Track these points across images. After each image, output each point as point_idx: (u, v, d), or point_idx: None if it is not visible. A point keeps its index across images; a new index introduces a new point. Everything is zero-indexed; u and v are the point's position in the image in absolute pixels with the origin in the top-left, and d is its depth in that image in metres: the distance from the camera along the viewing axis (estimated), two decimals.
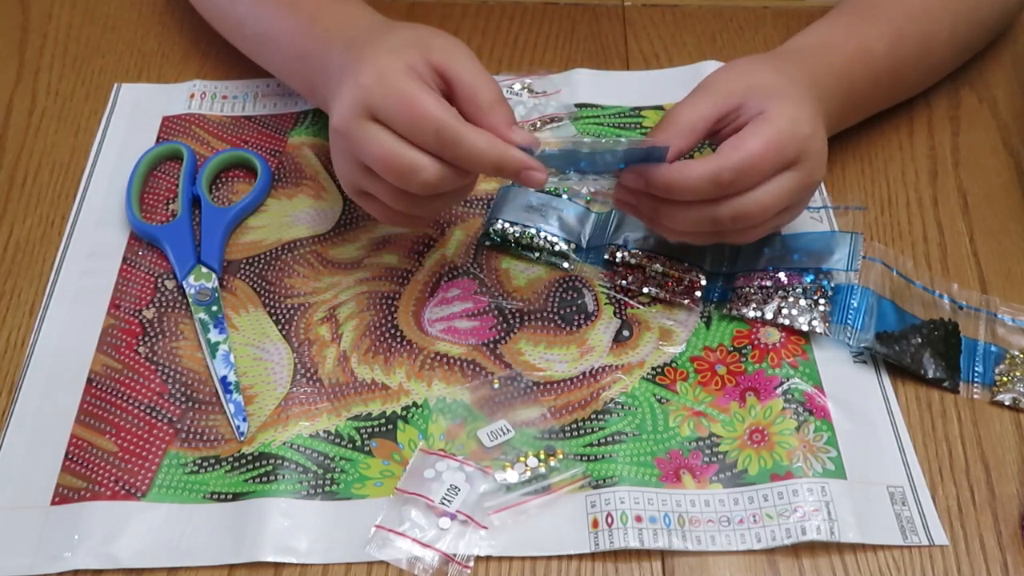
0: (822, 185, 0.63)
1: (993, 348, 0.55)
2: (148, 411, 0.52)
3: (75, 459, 0.50)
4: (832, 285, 0.56)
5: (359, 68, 0.48)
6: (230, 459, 0.50)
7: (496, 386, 0.53)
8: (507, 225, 0.59)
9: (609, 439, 0.51)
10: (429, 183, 0.47)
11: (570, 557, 0.47)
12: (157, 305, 0.56)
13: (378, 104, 0.47)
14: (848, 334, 0.54)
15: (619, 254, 0.58)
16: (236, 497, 0.49)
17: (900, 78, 0.63)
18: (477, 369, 0.54)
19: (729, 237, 0.53)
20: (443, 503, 0.48)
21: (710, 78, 0.54)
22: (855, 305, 0.55)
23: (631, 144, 0.49)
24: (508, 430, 0.51)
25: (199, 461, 0.50)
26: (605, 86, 0.69)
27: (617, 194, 0.53)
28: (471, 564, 0.47)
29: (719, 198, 0.50)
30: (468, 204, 0.62)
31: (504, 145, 0.47)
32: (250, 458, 0.50)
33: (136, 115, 0.66)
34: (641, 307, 0.57)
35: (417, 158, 0.47)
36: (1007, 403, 0.53)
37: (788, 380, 0.53)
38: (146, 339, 0.55)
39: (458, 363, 0.54)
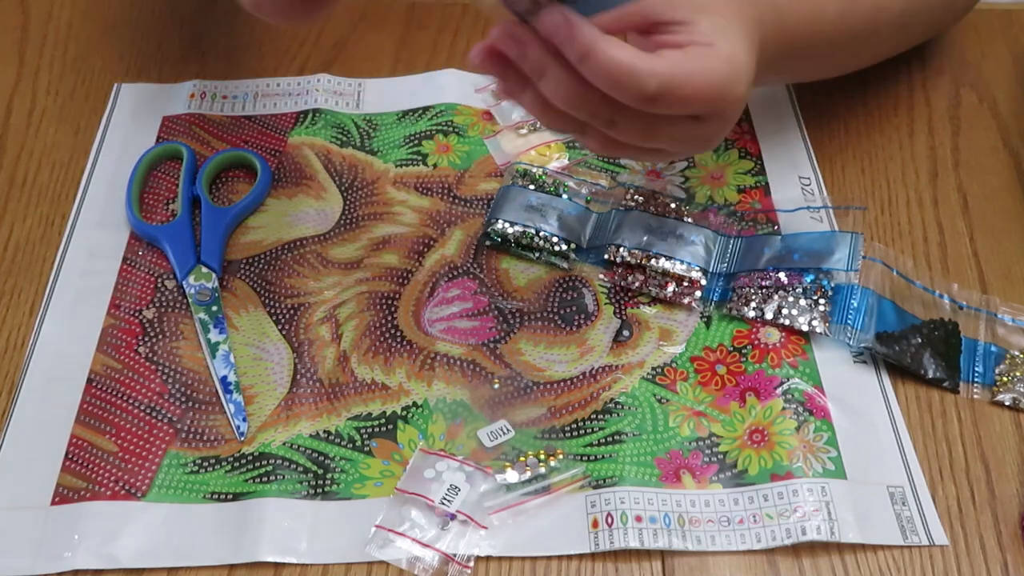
0: (822, 185, 0.63)
1: (993, 348, 0.55)
2: (148, 411, 0.52)
3: (75, 459, 0.50)
4: (832, 285, 0.56)
5: None
6: (230, 459, 0.50)
7: (496, 386, 0.53)
8: (507, 225, 0.59)
9: (609, 439, 0.51)
10: None
11: (570, 557, 0.47)
12: (157, 305, 0.56)
13: None
14: (848, 334, 0.54)
15: (619, 254, 0.58)
16: (236, 497, 0.49)
17: (842, 50, 0.61)
18: (477, 369, 0.54)
19: (588, 136, 0.48)
20: (443, 503, 0.48)
21: None
22: (855, 305, 0.55)
23: None
24: (508, 430, 0.51)
25: (199, 461, 0.50)
26: None
27: (506, 30, 0.44)
28: (471, 564, 0.47)
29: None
30: (468, 204, 0.62)
31: None
32: (250, 458, 0.50)
33: (136, 115, 0.66)
34: (641, 307, 0.57)
35: None
36: (1007, 403, 0.53)
37: (788, 380, 0.53)
38: (146, 339, 0.55)
39: (458, 363, 0.54)
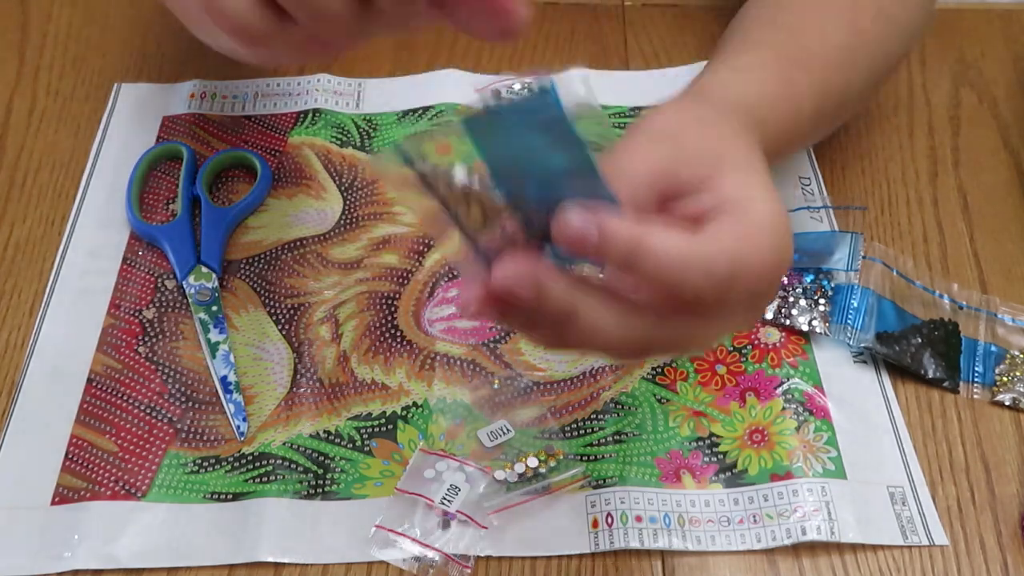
0: (822, 185, 0.63)
1: (993, 348, 0.55)
2: (148, 411, 0.52)
3: (75, 459, 0.50)
4: (832, 285, 0.56)
5: None
6: (230, 459, 0.50)
7: (496, 386, 0.53)
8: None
9: (609, 439, 0.51)
10: None
11: (570, 557, 0.47)
12: (157, 305, 0.56)
13: None
14: (848, 334, 0.54)
15: None
16: (236, 497, 0.49)
17: (814, 135, 0.57)
18: (477, 369, 0.54)
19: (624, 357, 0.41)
20: (443, 503, 0.48)
21: (656, 123, 0.39)
22: (855, 305, 0.55)
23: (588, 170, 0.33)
24: (508, 430, 0.51)
25: (199, 461, 0.50)
26: (605, 86, 0.69)
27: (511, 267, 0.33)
28: (471, 564, 0.47)
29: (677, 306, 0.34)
30: None
31: None
32: (250, 458, 0.50)
33: (136, 115, 0.66)
34: None
35: None
36: (1007, 403, 0.53)
37: (788, 380, 0.53)
38: (146, 339, 0.55)
39: (458, 363, 0.54)
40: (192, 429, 0.51)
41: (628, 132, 0.36)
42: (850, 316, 0.55)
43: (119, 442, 0.51)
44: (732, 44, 0.52)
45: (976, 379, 0.54)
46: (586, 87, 0.31)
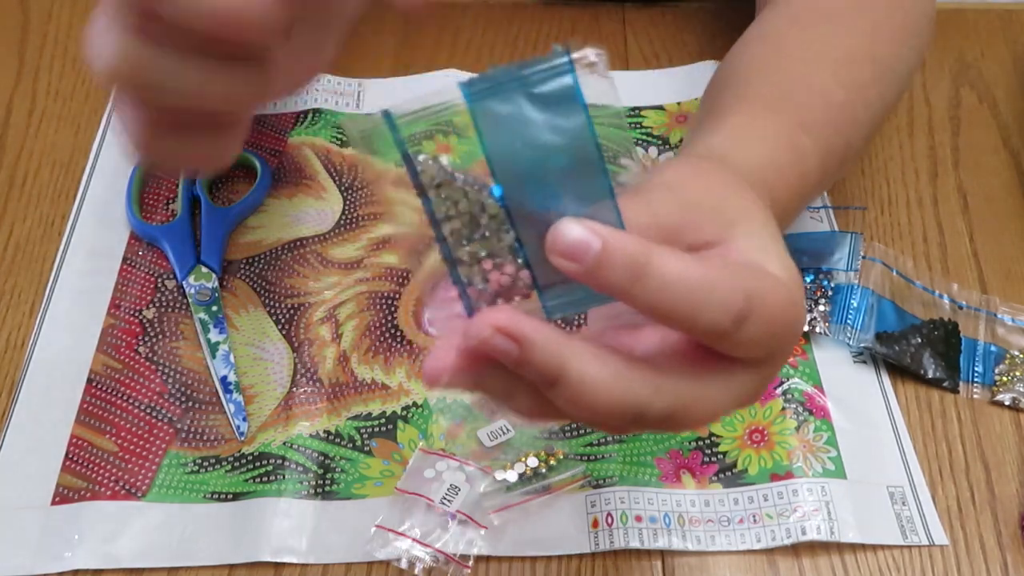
0: None
1: (993, 348, 0.55)
2: (148, 411, 0.52)
3: (75, 459, 0.50)
4: (832, 285, 0.56)
5: None
6: (230, 459, 0.50)
7: None
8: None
9: (609, 439, 0.51)
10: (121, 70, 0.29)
11: (570, 557, 0.47)
12: (157, 305, 0.56)
13: None
14: (848, 334, 0.54)
15: None
16: (236, 497, 0.49)
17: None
18: None
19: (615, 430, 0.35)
20: (443, 503, 0.48)
21: (661, 178, 0.35)
22: (855, 305, 0.55)
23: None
24: (508, 430, 0.51)
25: (199, 461, 0.50)
26: None
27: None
28: (471, 564, 0.47)
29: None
30: None
31: None
32: (250, 458, 0.50)
33: None
34: None
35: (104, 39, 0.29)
36: (1007, 403, 0.53)
37: (788, 380, 0.53)
38: (146, 339, 0.55)
39: None
40: (192, 429, 0.51)
41: (633, 189, 0.31)
42: (850, 316, 0.55)
43: (119, 442, 0.51)
44: (730, 100, 0.49)
45: (976, 379, 0.54)
46: (603, 69, 0.28)
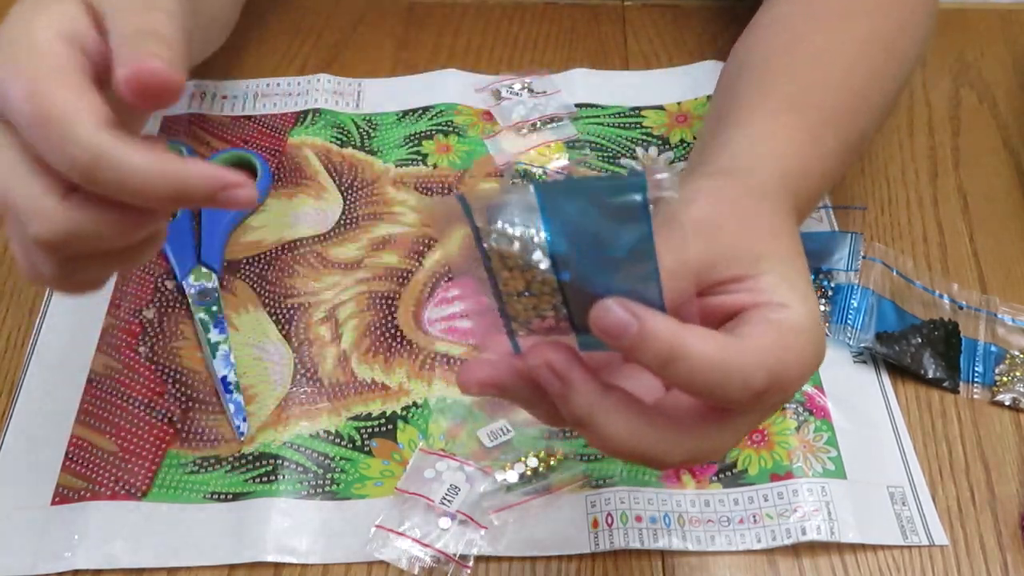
0: None
1: (993, 348, 0.55)
2: (148, 411, 0.52)
3: (75, 459, 0.50)
4: (832, 285, 0.56)
5: None
6: (230, 459, 0.50)
7: None
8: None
9: None
10: (51, 238, 0.33)
11: (570, 557, 0.47)
12: (157, 305, 0.56)
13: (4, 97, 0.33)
14: (848, 334, 0.54)
15: None
16: (236, 497, 0.49)
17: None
18: None
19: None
20: (443, 503, 0.48)
21: (695, 215, 0.37)
22: (855, 305, 0.55)
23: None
24: (508, 430, 0.51)
25: (199, 461, 0.50)
26: (605, 86, 0.69)
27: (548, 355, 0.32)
28: (471, 564, 0.47)
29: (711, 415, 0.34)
30: None
31: (179, 162, 0.33)
32: (250, 458, 0.50)
33: None
34: None
35: (36, 200, 0.33)
36: (1007, 403, 0.53)
37: None
38: (146, 339, 0.55)
39: (458, 363, 0.54)
40: (192, 429, 0.51)
41: (663, 224, 0.31)
42: (850, 316, 0.55)
43: (119, 442, 0.51)
44: (751, 94, 0.49)
45: (976, 379, 0.54)
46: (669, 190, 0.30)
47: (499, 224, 0.31)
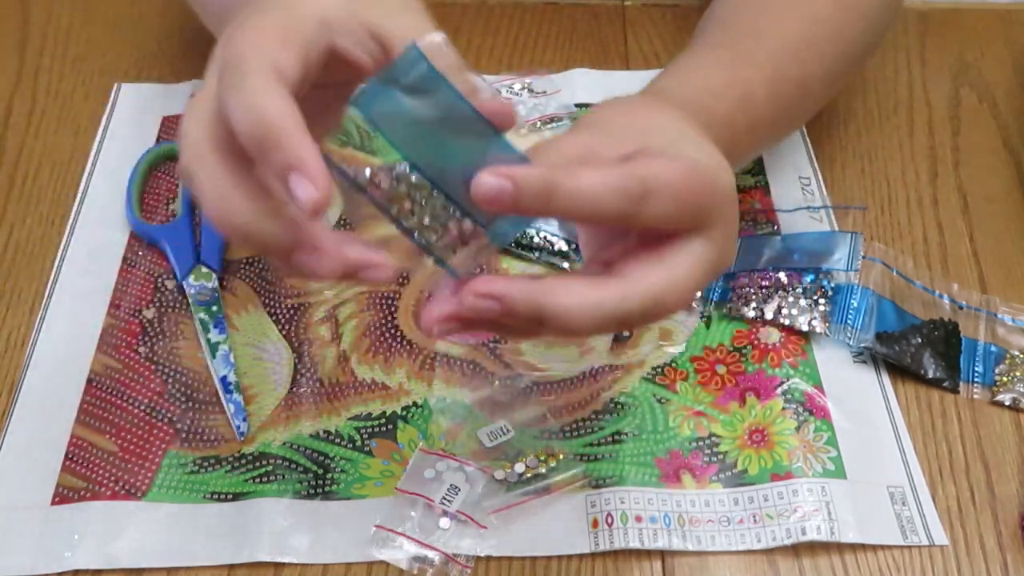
0: (822, 185, 0.63)
1: (993, 348, 0.55)
2: (148, 411, 0.52)
3: (75, 459, 0.50)
4: (832, 285, 0.56)
5: (227, 37, 0.36)
6: (230, 459, 0.50)
7: (496, 386, 0.53)
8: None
9: (609, 439, 0.51)
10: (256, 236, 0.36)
11: (570, 557, 0.47)
12: (157, 305, 0.56)
13: (225, 106, 0.36)
14: (848, 334, 0.54)
15: None
16: (236, 497, 0.49)
17: (778, 125, 0.56)
18: (477, 369, 0.54)
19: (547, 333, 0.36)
20: (443, 503, 0.48)
21: (590, 117, 0.41)
22: (855, 305, 0.55)
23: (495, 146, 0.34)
24: (508, 430, 0.51)
25: (199, 461, 0.50)
26: (605, 86, 0.69)
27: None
28: (471, 564, 0.47)
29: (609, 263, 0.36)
30: None
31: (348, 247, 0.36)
32: (250, 458, 0.50)
33: (136, 115, 0.66)
34: None
35: (235, 204, 0.36)
36: (1007, 403, 0.53)
37: (788, 380, 0.53)
38: (146, 339, 0.55)
39: (458, 363, 0.54)
40: (192, 429, 0.51)
41: (571, 127, 0.36)
42: (850, 316, 0.55)
43: (119, 442, 0.51)
44: (688, 49, 0.54)
45: (976, 379, 0.54)
46: (447, 50, 0.32)
47: (364, 168, 0.34)
